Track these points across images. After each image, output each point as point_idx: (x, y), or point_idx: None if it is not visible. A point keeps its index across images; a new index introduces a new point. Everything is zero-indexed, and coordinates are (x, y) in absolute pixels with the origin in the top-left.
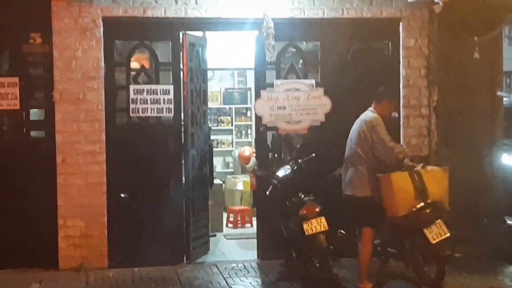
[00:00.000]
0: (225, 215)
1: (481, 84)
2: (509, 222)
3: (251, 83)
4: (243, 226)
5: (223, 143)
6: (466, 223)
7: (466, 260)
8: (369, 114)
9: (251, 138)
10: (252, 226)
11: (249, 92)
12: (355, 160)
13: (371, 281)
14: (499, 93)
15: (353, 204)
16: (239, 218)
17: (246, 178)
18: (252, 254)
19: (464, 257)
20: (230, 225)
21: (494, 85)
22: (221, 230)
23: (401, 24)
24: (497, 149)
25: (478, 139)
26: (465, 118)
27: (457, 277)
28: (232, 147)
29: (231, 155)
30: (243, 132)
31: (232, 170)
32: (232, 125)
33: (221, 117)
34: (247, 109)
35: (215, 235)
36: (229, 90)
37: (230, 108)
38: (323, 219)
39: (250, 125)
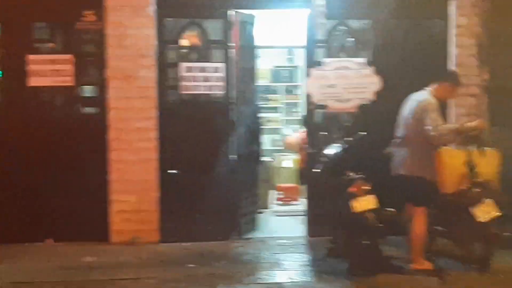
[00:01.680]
0: (271, 193)
1: None
2: None
3: (299, 61)
4: (291, 203)
5: (271, 121)
6: None
7: None
8: (423, 94)
9: (300, 116)
10: (300, 203)
11: (297, 70)
12: (408, 140)
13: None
14: None
15: (407, 184)
16: (287, 196)
17: (294, 155)
18: (300, 231)
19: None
20: (279, 201)
21: None
22: (269, 207)
23: (453, 2)
24: None
25: None
26: None
27: (506, 256)
28: (280, 124)
29: (279, 133)
30: (292, 110)
31: (280, 148)
32: (280, 103)
33: (269, 95)
34: (295, 86)
35: (262, 212)
36: (277, 68)
37: (278, 86)
38: (372, 197)
39: (298, 102)
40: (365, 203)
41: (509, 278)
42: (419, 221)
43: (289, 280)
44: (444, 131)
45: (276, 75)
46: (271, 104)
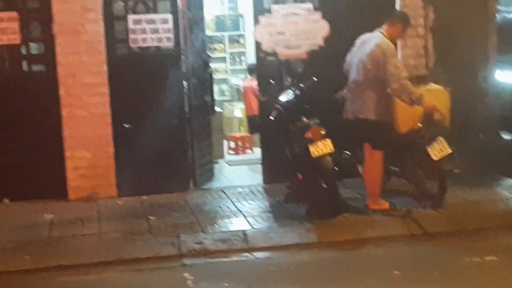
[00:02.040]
0: (225, 143)
1: (474, 1)
2: (503, 136)
3: (242, 9)
4: (244, 152)
5: (218, 71)
6: (463, 140)
7: (465, 175)
8: (378, 36)
9: (245, 65)
10: (253, 152)
11: (241, 18)
12: (366, 83)
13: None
14: None
15: (366, 127)
16: (240, 145)
17: (243, 105)
18: (256, 179)
19: (462, 172)
20: (231, 151)
21: (487, 1)
22: (222, 157)
23: None
24: (490, 65)
25: (472, 56)
26: (459, 35)
27: (457, 191)
28: (227, 74)
29: (227, 83)
30: (237, 59)
31: (228, 98)
32: (226, 52)
33: (214, 45)
34: (240, 35)
35: (217, 162)
36: (220, 17)
37: (222, 35)
38: (328, 141)
39: (244, 52)
40: (322, 147)
41: (462, 213)
42: (376, 163)
43: (252, 227)
44: (407, 90)
45: (220, 24)
46: (217, 54)
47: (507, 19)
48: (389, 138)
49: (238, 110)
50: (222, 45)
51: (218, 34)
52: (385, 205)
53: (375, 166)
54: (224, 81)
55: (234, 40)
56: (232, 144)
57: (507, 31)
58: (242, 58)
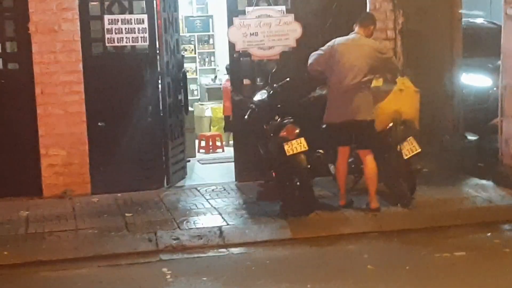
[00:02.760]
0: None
1: (442, 5)
2: (468, 137)
3: (212, 11)
4: (214, 151)
5: (187, 71)
6: (430, 140)
7: (432, 175)
8: (367, 40)
9: (214, 66)
10: (223, 151)
11: (210, 19)
12: (362, 86)
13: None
14: None
15: (365, 129)
16: (210, 144)
17: (213, 104)
18: (229, 177)
19: (430, 172)
20: (202, 150)
21: (453, 5)
22: (194, 156)
23: None
24: (456, 68)
25: (439, 59)
26: (427, 39)
27: (426, 190)
28: (196, 74)
29: (196, 83)
30: (206, 59)
31: (198, 97)
32: (195, 53)
33: (184, 45)
34: (209, 36)
35: (189, 161)
36: (190, 18)
37: (192, 36)
38: (303, 140)
39: (213, 52)
40: (296, 146)
41: (432, 211)
42: (374, 163)
43: (227, 224)
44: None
45: (190, 25)
46: (186, 54)
47: (470, 24)
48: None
49: (208, 110)
50: (191, 46)
51: (188, 34)
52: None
53: (374, 166)
54: (194, 80)
55: (203, 41)
56: (203, 143)
57: (470, 35)
58: (212, 58)
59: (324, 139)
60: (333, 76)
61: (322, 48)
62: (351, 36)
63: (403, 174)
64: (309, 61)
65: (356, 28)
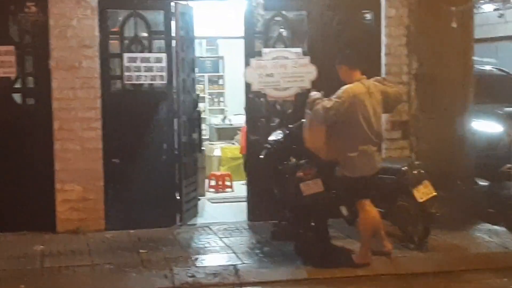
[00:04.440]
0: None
1: (455, 52)
2: (479, 183)
3: (222, 52)
4: (224, 191)
5: (203, 111)
6: (442, 184)
7: (445, 219)
8: (377, 84)
9: (223, 106)
10: (233, 190)
11: (221, 60)
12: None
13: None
14: None
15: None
16: (220, 183)
17: (223, 144)
18: (240, 216)
19: (442, 216)
20: (211, 189)
21: (466, 51)
22: (204, 195)
23: None
24: (468, 114)
25: (451, 104)
26: (440, 84)
27: (439, 234)
28: (206, 114)
29: (205, 122)
30: (216, 100)
31: (207, 137)
32: (205, 93)
33: None
34: (219, 77)
35: (199, 199)
36: (200, 59)
37: (202, 76)
38: (319, 180)
39: (223, 92)
40: (313, 186)
41: (446, 255)
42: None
43: (242, 262)
44: None
45: (200, 65)
46: None
47: (480, 71)
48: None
49: (217, 150)
50: (201, 86)
51: (198, 75)
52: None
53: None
54: (203, 120)
55: (213, 81)
56: (213, 182)
57: (480, 82)
58: (221, 99)
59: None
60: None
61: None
62: (360, 83)
63: (418, 217)
64: None
65: (362, 74)
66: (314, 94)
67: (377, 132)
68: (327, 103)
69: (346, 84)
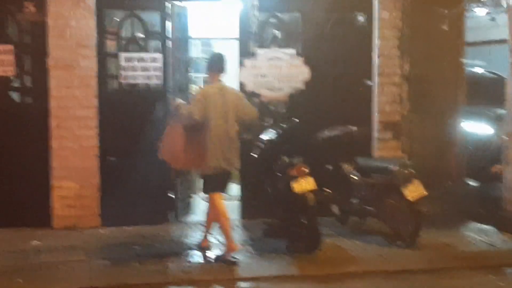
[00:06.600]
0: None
1: (446, 53)
2: (469, 183)
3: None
4: None
5: None
6: (433, 184)
7: (435, 218)
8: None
9: None
10: None
11: None
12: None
13: None
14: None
15: None
16: None
17: None
18: (232, 214)
19: (432, 215)
20: None
21: (457, 54)
22: (196, 193)
23: None
24: (459, 115)
25: (443, 106)
26: (432, 85)
27: (429, 233)
28: None
29: None
30: None
31: None
32: None
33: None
34: None
35: (192, 197)
36: (195, 60)
37: (197, 77)
38: (311, 178)
39: None
40: (304, 184)
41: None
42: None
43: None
44: None
45: (195, 66)
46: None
47: (472, 73)
48: None
49: None
50: (196, 86)
51: (193, 75)
52: None
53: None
54: None
55: (208, 82)
56: None
57: (472, 84)
58: None
59: None
60: None
61: None
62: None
63: (408, 216)
64: None
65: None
66: (178, 100)
67: (229, 130)
68: (189, 106)
69: None
